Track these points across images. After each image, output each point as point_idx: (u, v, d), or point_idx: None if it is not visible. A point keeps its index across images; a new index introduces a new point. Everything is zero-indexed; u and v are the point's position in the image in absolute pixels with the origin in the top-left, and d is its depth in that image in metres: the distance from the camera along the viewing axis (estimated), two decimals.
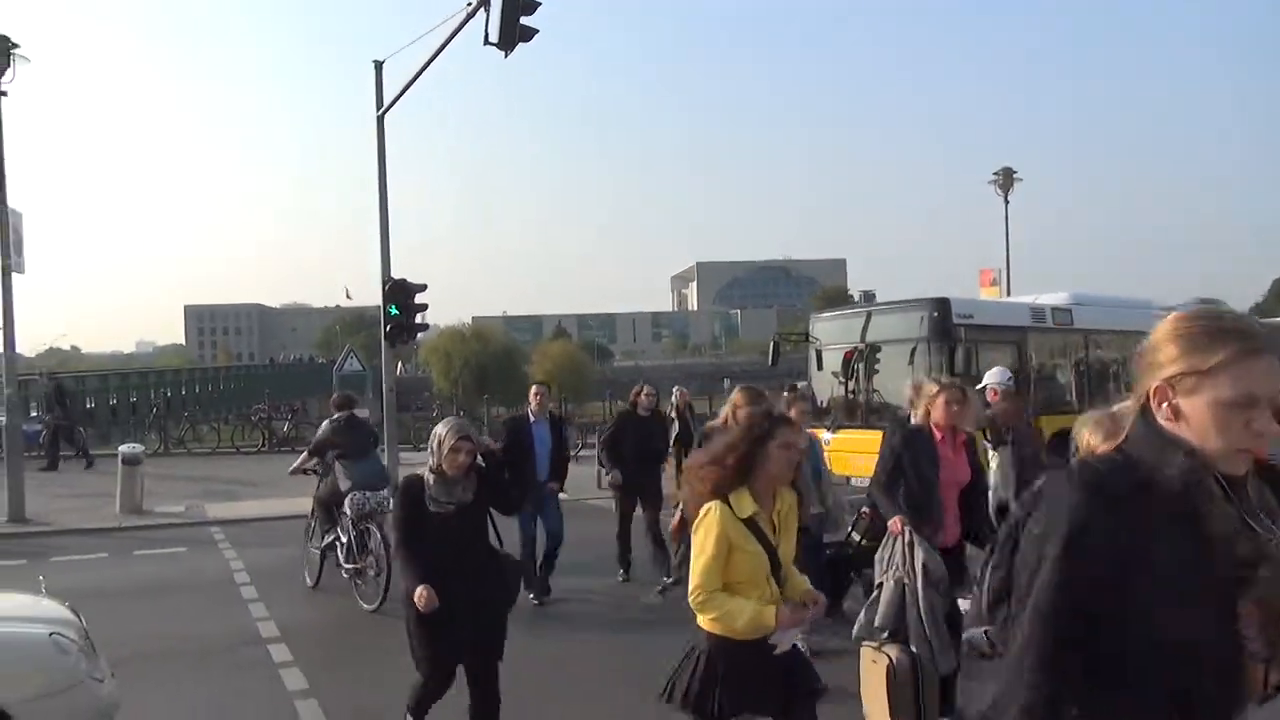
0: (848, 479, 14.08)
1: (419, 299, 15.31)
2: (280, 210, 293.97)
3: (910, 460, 5.15)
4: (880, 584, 5.14)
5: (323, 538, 9.03)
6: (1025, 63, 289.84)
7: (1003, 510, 6.76)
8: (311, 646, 7.15)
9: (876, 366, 14.02)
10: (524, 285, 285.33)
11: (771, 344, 15.25)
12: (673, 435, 10.48)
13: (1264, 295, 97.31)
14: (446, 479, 4.46)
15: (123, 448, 14.02)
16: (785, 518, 3.46)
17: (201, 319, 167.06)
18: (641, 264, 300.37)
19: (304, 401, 66.48)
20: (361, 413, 10.05)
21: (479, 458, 4.60)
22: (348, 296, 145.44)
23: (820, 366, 14.88)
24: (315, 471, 9.26)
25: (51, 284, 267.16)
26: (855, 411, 14.11)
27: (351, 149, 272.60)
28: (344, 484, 8.62)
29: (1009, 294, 23.92)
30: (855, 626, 5.19)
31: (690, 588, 3.32)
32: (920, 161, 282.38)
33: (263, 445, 22.05)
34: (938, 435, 5.14)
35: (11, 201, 13.75)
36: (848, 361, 14.42)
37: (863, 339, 14.05)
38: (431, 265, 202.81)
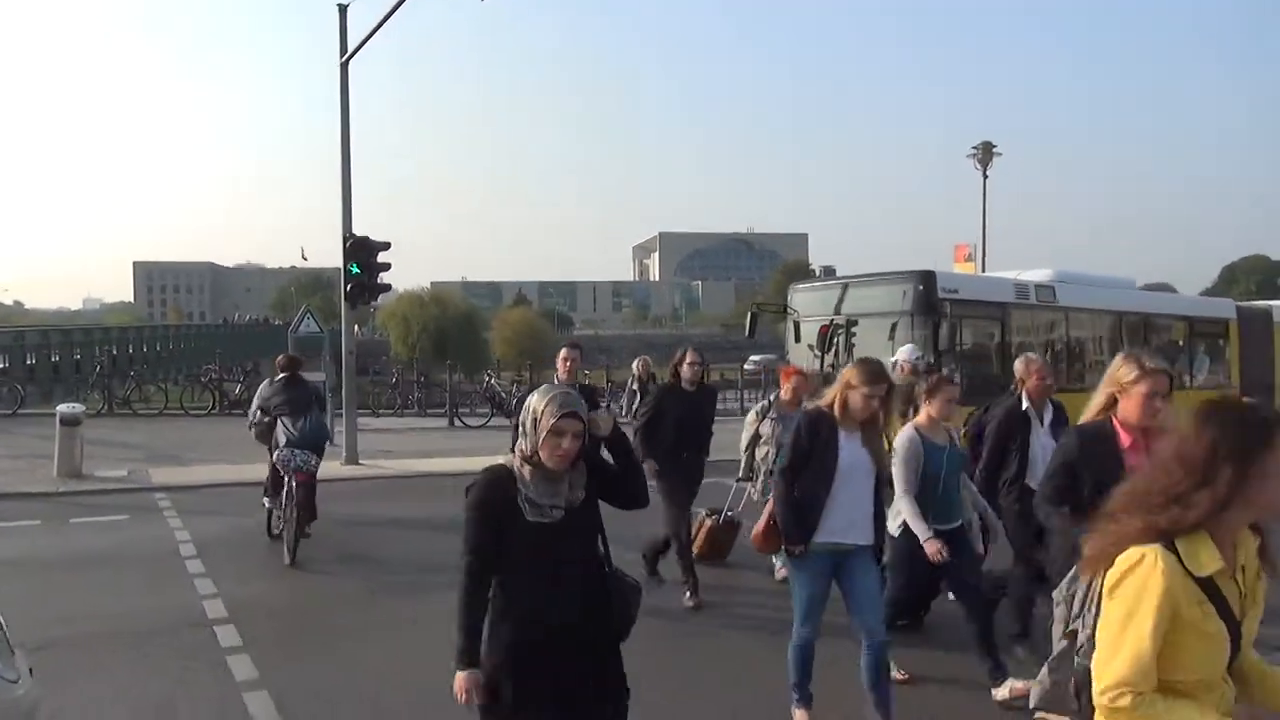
0: None
1: (381, 258, 14.60)
2: (236, 166, 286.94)
3: (1092, 466, 3.86)
4: (1073, 631, 2.68)
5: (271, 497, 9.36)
6: (1004, 36, 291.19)
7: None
8: (262, 628, 6.57)
9: (855, 340, 13.62)
10: (483, 251, 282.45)
11: (749, 315, 14.79)
12: (634, 406, 9.79)
13: (1213, 281, 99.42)
14: (548, 473, 3.07)
15: (61, 407, 13.13)
16: (1251, 580, 2.24)
17: (151, 276, 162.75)
18: (603, 233, 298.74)
19: (257, 362, 64.77)
20: (313, 375, 10.21)
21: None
22: (304, 257, 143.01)
23: (798, 339, 14.45)
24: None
25: None
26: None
27: (311, 103, 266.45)
28: (280, 441, 8.87)
29: (984, 270, 23.74)
30: (1034, 692, 2.73)
31: (1103, 683, 2.14)
32: (885, 139, 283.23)
33: (212, 407, 21.15)
34: (1125, 437, 3.91)
35: None
36: (824, 335, 14.03)
37: (842, 311, 13.64)
38: (392, 226, 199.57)
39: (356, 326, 14.94)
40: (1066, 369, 14.53)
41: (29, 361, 28.17)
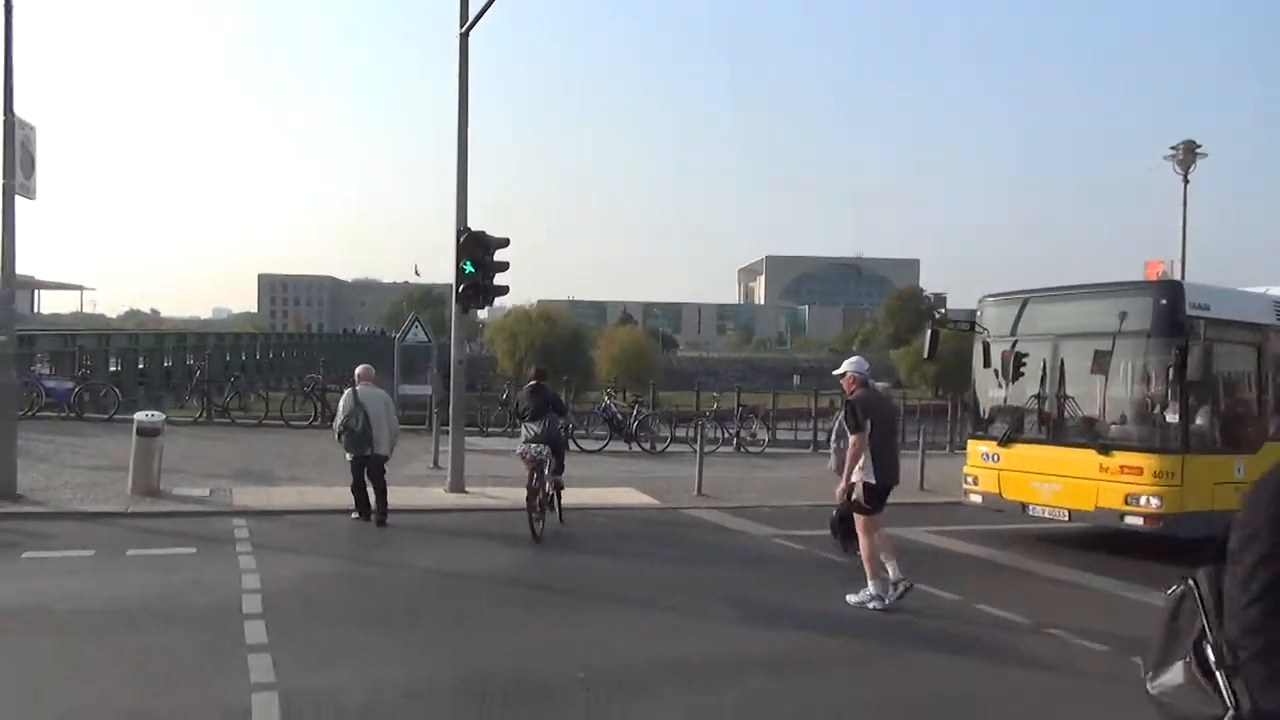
0: (1023, 506, 11.20)
1: (499, 255, 12.74)
2: (355, 184, 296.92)
3: None
4: None
5: None
6: (1116, 47, 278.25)
7: None
8: None
9: (1073, 366, 11.04)
10: (589, 271, 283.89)
11: (929, 333, 12.30)
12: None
13: None
14: None
15: (138, 415, 11.67)
16: None
17: (274, 288, 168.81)
18: (709, 255, 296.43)
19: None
20: (418, 387, 13.33)
21: None
22: (417, 273, 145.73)
23: (987, 363, 11.89)
24: None
25: (131, 248, 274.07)
26: (1038, 423, 11.13)
27: (427, 127, 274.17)
28: (522, 438, 10.88)
29: None
30: None
31: None
32: (998, 163, 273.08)
33: (314, 418, 19.79)
34: None
35: (39, 126, 11.37)
36: (1016, 358, 11.50)
37: (1049, 330, 11.08)
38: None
39: (466, 342, 13.10)
40: None
41: (140, 365, 27.66)
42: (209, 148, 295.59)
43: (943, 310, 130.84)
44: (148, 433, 11.34)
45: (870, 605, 7.57)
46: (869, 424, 7.59)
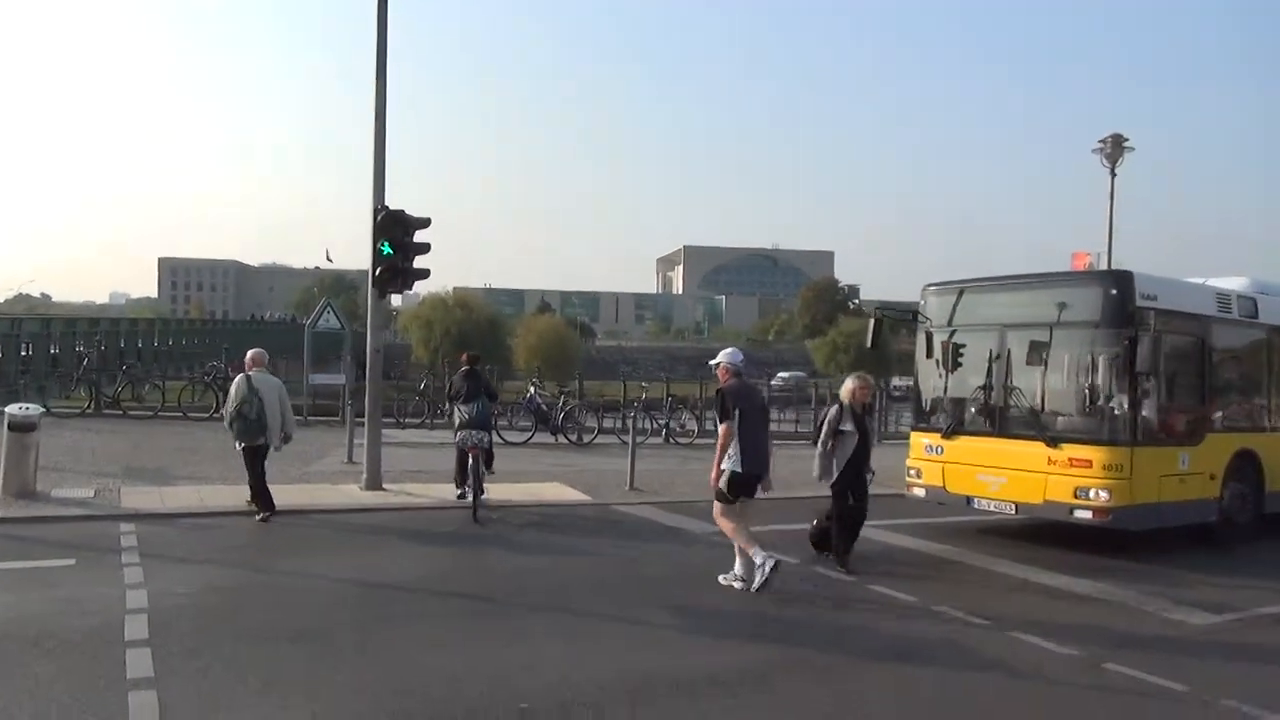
0: (968, 499, 10.89)
1: (419, 236, 11.85)
2: (261, 165, 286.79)
3: None
4: None
5: None
6: (1025, 55, 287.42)
7: None
8: None
9: (1020, 356, 10.77)
10: (505, 258, 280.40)
11: (872, 322, 11.88)
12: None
13: None
14: None
15: (10, 408, 10.44)
16: None
17: (176, 273, 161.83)
18: (627, 245, 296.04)
19: (277, 363, 61.73)
20: (330, 377, 12.38)
21: None
22: (328, 259, 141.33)
23: (930, 353, 11.57)
24: None
25: (19, 228, 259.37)
26: (984, 415, 10.83)
27: (338, 108, 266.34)
28: (456, 423, 11.31)
29: None
30: None
31: None
32: (912, 159, 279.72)
33: (215, 410, 18.48)
34: None
35: None
36: (960, 349, 11.22)
37: (999, 320, 10.78)
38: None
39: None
40: (1270, 404, 11.63)
41: (24, 353, 25.57)
42: (104, 120, 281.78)
43: (856, 301, 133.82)
44: (21, 428, 10.16)
45: (738, 585, 7.86)
46: (738, 413, 7.70)
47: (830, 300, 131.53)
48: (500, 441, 17.28)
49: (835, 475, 8.94)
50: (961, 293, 11.48)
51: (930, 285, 11.83)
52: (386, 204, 11.64)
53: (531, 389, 18.32)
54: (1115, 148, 18.18)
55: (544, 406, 18.11)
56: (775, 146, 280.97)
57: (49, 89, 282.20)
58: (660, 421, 19.28)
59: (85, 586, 7.08)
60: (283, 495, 11.09)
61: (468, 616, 6.87)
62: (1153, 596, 8.17)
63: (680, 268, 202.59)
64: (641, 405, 19.59)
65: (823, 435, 9.06)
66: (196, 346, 42.84)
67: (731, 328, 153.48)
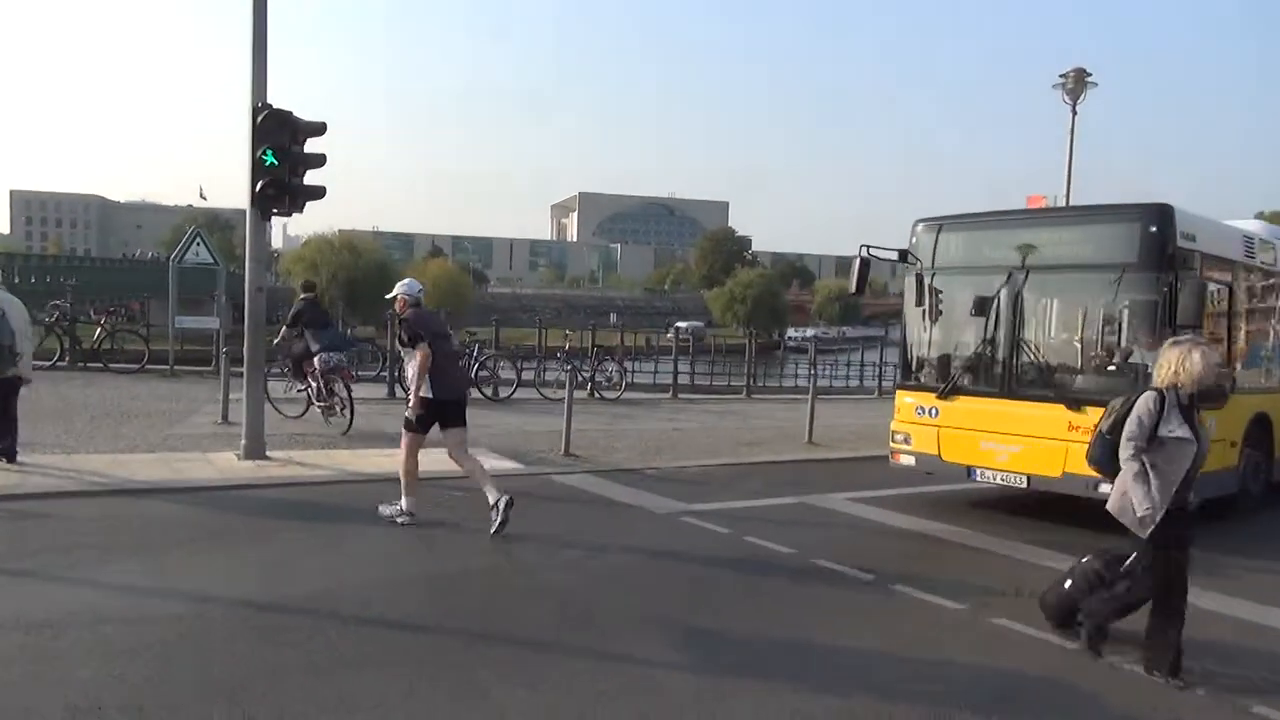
0: (969, 470, 9.43)
1: (312, 145, 9.51)
2: (127, 91, 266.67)
3: None
4: None
5: None
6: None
7: None
8: None
9: (1034, 304, 9.30)
10: (394, 201, 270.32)
11: (858, 262, 10.15)
12: None
13: None
14: None
15: None
16: None
17: (30, 207, 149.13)
18: (522, 190, 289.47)
19: (145, 302, 56.09)
20: (201, 320, 11.35)
21: None
22: (202, 196, 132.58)
23: (920, 299, 9.98)
24: None
25: None
26: (989, 372, 9.33)
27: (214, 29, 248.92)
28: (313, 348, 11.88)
29: None
30: None
31: None
32: (808, 110, 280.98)
33: (59, 358, 15.62)
34: None
35: None
36: (959, 295, 9.72)
37: (1008, 262, 9.24)
38: None
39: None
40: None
41: None
42: None
43: (750, 253, 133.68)
44: None
45: (399, 520, 7.61)
46: (429, 339, 7.53)
47: (727, 251, 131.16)
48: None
49: (1161, 512, 5.09)
50: (962, 229, 9.91)
51: (923, 220, 10.19)
52: (269, 102, 9.22)
53: None
54: (1078, 83, 17.03)
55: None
56: (672, 93, 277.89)
57: None
58: (585, 374, 17.35)
59: None
60: (138, 468, 8.79)
61: (391, 654, 4.89)
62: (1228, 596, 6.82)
63: (575, 215, 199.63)
64: (565, 356, 17.61)
65: (1132, 443, 5.18)
66: (48, 287, 38.37)
67: (626, 276, 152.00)
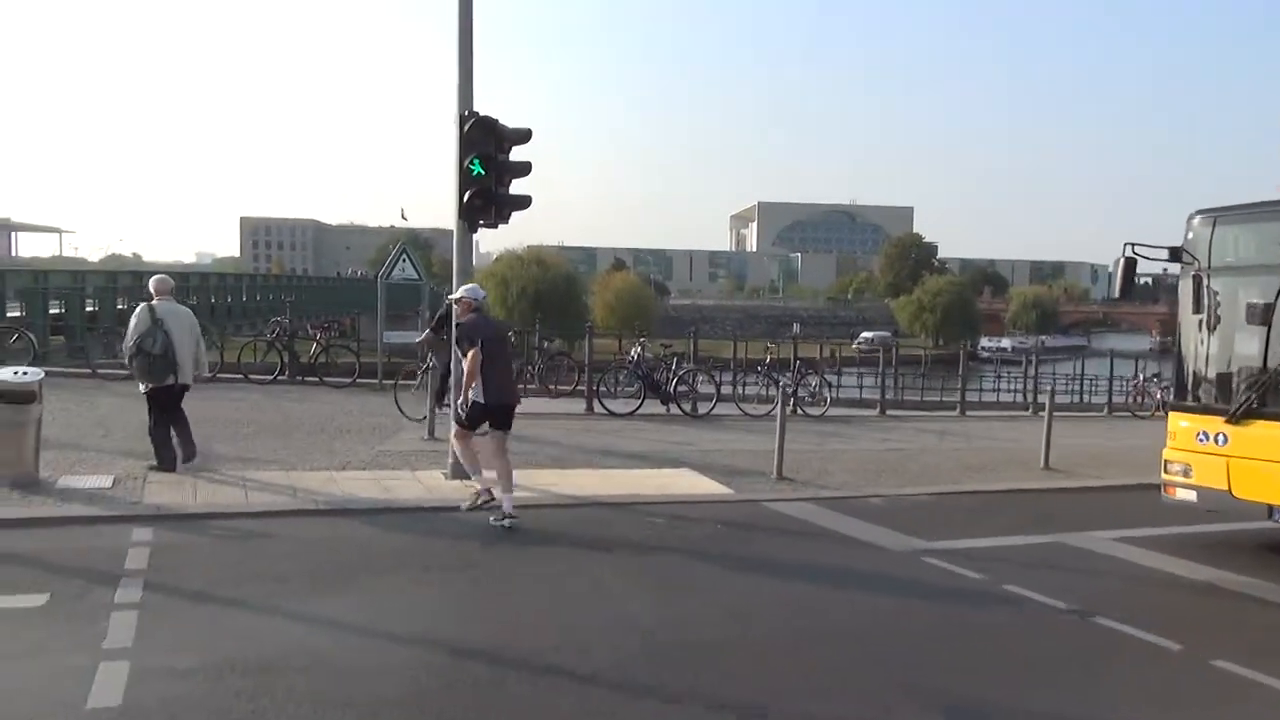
0: (1271, 509, 7.90)
1: (517, 153, 9.17)
2: (341, 126, 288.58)
3: None
4: None
5: None
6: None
7: None
8: None
9: None
10: (577, 217, 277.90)
11: (1122, 262, 8.79)
12: None
13: None
14: None
15: (3, 373, 8.16)
16: None
17: (257, 232, 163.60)
18: (700, 201, 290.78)
19: (355, 317, 59.39)
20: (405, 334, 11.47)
21: None
22: (403, 217, 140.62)
23: (1199, 305, 8.51)
24: None
25: (111, 191, 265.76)
26: None
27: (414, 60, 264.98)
28: None
29: None
30: None
31: None
32: (992, 118, 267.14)
33: (279, 372, 16.30)
34: None
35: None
36: (1256, 299, 8.17)
37: None
38: None
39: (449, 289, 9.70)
40: None
41: (89, 308, 23.83)
42: (193, 85, 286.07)
43: (937, 260, 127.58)
44: (17, 397, 7.85)
45: (480, 500, 7.98)
46: (480, 343, 7.80)
47: (913, 257, 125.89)
48: (604, 412, 14.74)
49: None
50: (1253, 220, 8.37)
51: (1200, 212, 8.69)
52: (476, 109, 8.95)
53: (638, 349, 15.60)
54: None
55: (653, 371, 15.36)
56: (853, 99, 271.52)
57: (128, 50, 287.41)
58: (788, 388, 16.43)
59: (30, 660, 4.62)
60: (351, 486, 8.69)
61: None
62: None
63: (754, 224, 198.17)
64: (765, 369, 16.77)
65: None
66: (270, 303, 41.28)
67: (808, 285, 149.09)
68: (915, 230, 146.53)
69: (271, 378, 16.27)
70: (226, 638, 4.95)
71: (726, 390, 16.35)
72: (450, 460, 9.37)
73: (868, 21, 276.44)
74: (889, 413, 17.88)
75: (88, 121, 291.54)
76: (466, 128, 8.85)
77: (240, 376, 16.19)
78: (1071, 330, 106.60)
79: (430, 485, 8.99)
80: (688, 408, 15.24)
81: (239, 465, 9.36)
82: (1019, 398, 22.59)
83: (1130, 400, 21.66)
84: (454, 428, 8.27)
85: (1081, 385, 24.20)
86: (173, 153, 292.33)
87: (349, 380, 16.42)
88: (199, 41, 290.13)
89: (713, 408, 15.33)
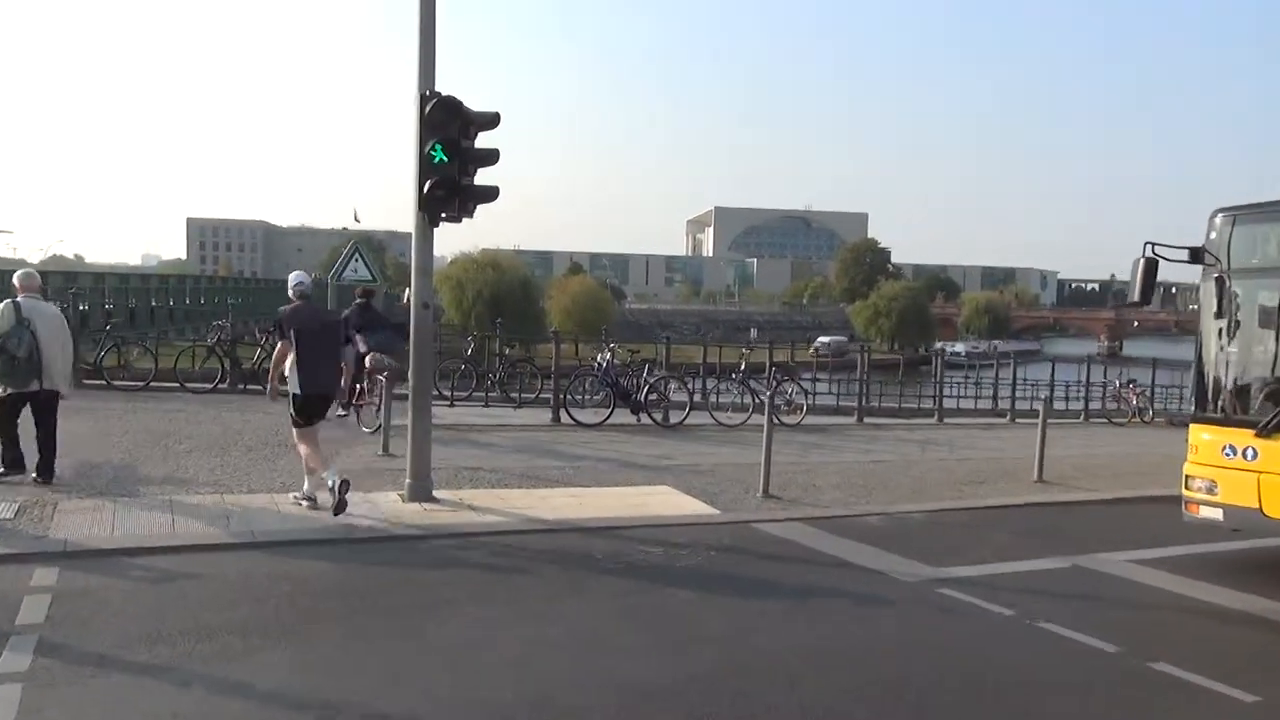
0: None
1: (483, 140, 8.27)
2: (289, 124, 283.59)
3: None
4: None
5: None
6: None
7: None
8: None
9: None
10: (532, 221, 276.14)
11: (1142, 264, 8.13)
12: None
13: None
14: None
15: None
16: None
17: (204, 233, 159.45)
18: (656, 206, 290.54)
19: None
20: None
21: None
22: (356, 219, 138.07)
23: (1222, 310, 7.91)
24: None
25: (53, 190, 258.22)
26: None
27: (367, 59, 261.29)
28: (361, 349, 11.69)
29: None
30: None
31: None
32: (955, 119, 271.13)
33: (220, 380, 15.11)
34: None
35: None
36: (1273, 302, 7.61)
37: None
38: None
39: (405, 291, 8.87)
40: None
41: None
42: (139, 82, 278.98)
43: (892, 266, 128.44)
44: None
45: (303, 503, 7.82)
46: (294, 333, 7.75)
47: (869, 263, 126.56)
48: (571, 423, 13.84)
49: None
50: None
51: (1223, 210, 8.08)
52: (438, 89, 8.03)
53: (607, 355, 14.67)
54: None
55: (615, 376, 14.46)
56: (810, 105, 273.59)
57: (80, 48, 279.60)
58: (761, 396, 15.66)
59: None
60: (291, 511, 7.70)
61: None
62: None
63: (710, 229, 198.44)
64: (741, 376, 15.95)
65: None
66: (214, 307, 39.66)
67: (764, 290, 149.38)
68: (869, 236, 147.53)
69: (211, 386, 15.12)
70: (147, 712, 3.99)
71: (698, 398, 15.53)
72: (408, 481, 8.45)
73: (822, 28, 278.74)
74: (866, 420, 17.21)
75: (27, 118, 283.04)
76: (428, 109, 7.95)
77: (177, 385, 15.00)
78: (1023, 335, 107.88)
79: (386, 509, 8.03)
80: (659, 417, 14.41)
81: (168, 488, 8.33)
82: (985, 404, 22.06)
83: (1107, 406, 21.28)
84: (294, 432, 8.05)
85: (1051, 391, 23.73)
86: (117, 151, 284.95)
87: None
88: (144, 39, 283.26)
89: (685, 417, 14.52)
